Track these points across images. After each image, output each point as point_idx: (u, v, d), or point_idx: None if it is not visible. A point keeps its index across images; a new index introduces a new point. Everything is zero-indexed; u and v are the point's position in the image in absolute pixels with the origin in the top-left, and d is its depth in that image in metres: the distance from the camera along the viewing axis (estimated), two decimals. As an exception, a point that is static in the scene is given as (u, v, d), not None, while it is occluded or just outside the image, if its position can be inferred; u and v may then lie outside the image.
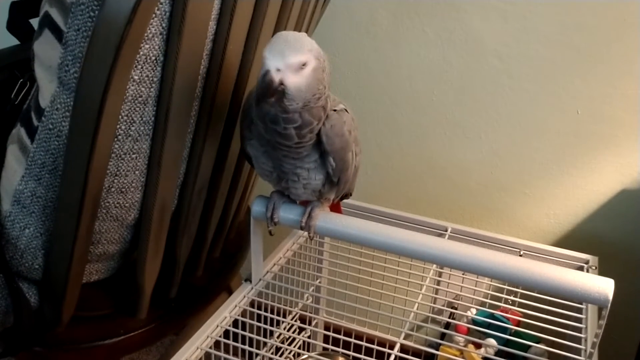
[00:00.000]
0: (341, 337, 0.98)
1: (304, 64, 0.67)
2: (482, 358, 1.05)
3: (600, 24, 1.18)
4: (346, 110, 0.78)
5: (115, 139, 0.75)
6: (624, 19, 1.16)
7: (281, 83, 0.66)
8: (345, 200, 0.99)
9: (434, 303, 1.07)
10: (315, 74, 0.68)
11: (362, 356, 0.85)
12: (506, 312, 1.05)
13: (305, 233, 0.85)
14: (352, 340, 0.96)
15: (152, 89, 0.74)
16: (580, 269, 1.05)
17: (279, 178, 0.81)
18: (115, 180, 0.79)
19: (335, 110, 0.76)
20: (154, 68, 0.73)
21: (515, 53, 1.26)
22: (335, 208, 0.95)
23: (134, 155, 0.79)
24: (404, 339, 0.86)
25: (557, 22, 1.21)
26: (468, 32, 1.28)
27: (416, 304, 0.93)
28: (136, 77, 0.71)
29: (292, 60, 0.66)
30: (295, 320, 1.03)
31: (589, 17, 1.18)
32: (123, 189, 0.81)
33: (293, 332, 1.04)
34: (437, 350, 1.02)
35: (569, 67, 1.23)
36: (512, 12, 1.23)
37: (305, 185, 0.79)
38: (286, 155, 0.76)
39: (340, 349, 1.02)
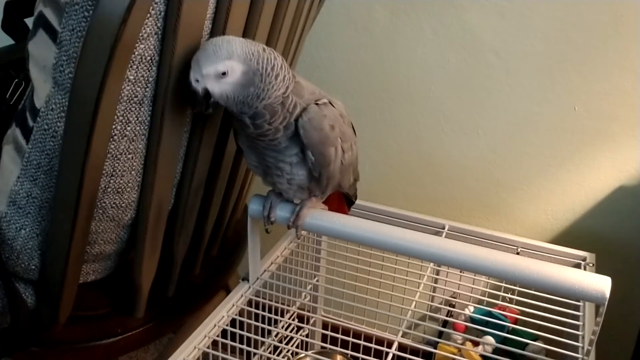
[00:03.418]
0: (339, 335, 0.98)
1: (224, 73, 0.68)
2: (479, 356, 1.05)
3: (597, 20, 1.18)
4: (331, 104, 0.78)
5: (111, 139, 0.75)
6: (621, 15, 1.16)
7: (206, 91, 0.69)
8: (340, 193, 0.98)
9: (432, 301, 1.07)
10: (244, 78, 0.69)
11: (360, 354, 0.85)
12: (504, 310, 1.05)
13: (303, 232, 0.85)
14: (350, 338, 0.96)
15: (147, 89, 0.74)
16: (578, 266, 1.06)
17: (264, 173, 0.81)
18: (112, 181, 0.79)
19: (317, 103, 0.75)
20: (150, 68, 0.72)
21: (513, 49, 1.26)
22: (342, 211, 0.95)
23: (130, 156, 0.78)
24: (402, 337, 0.87)
25: (554, 18, 1.21)
26: (465, 28, 1.28)
27: (414, 302, 0.94)
28: (131, 77, 0.71)
29: (207, 71, 0.68)
30: (293, 319, 1.03)
31: (586, 13, 1.18)
32: (119, 189, 0.81)
33: (291, 331, 1.04)
34: (435, 348, 1.02)
35: (566, 63, 1.23)
36: (509, 8, 1.23)
37: (290, 180, 0.79)
38: (266, 148, 0.77)
39: (338, 348, 1.02)
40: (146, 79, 0.73)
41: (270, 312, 0.94)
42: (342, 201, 0.96)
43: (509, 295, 0.98)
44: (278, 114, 0.73)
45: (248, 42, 0.70)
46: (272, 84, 0.70)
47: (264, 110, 0.72)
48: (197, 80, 0.70)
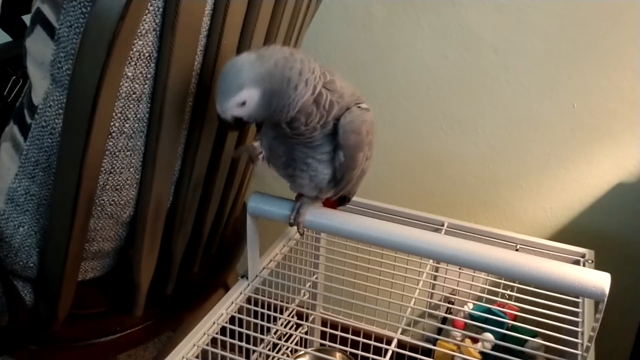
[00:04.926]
0: (338, 333, 0.98)
1: (243, 102, 0.69)
2: (479, 352, 1.05)
3: (596, 16, 1.18)
4: (368, 111, 0.78)
5: (109, 137, 0.74)
6: (620, 11, 1.16)
7: (234, 117, 0.70)
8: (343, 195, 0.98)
9: (431, 298, 1.07)
10: (264, 99, 0.69)
11: (359, 352, 0.85)
12: (503, 307, 1.05)
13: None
14: (350, 335, 0.96)
15: (146, 86, 0.74)
16: (577, 262, 1.06)
17: (286, 164, 0.80)
18: (110, 178, 0.79)
19: (359, 106, 0.76)
20: (148, 64, 0.72)
21: (512, 46, 1.26)
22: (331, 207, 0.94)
23: (128, 153, 0.78)
24: (401, 334, 0.87)
25: (553, 15, 1.21)
26: (464, 25, 1.27)
27: (413, 299, 0.93)
28: (130, 74, 0.71)
29: (227, 105, 0.69)
30: (292, 317, 1.03)
31: (585, 10, 1.18)
32: (118, 187, 0.81)
33: (290, 329, 1.04)
34: (434, 345, 1.02)
35: (565, 60, 1.23)
36: (508, 5, 1.23)
37: (312, 177, 0.79)
38: (298, 143, 0.76)
39: (337, 345, 1.02)
40: (144, 75, 0.72)
41: (269, 309, 0.94)
42: (335, 201, 0.96)
43: (508, 292, 0.98)
44: (314, 114, 0.72)
45: (259, 63, 0.68)
46: (292, 96, 0.69)
47: (297, 114, 0.71)
48: (224, 113, 0.70)
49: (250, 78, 0.68)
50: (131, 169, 0.80)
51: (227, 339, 0.85)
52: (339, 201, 0.93)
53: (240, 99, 0.68)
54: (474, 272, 1.00)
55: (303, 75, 0.70)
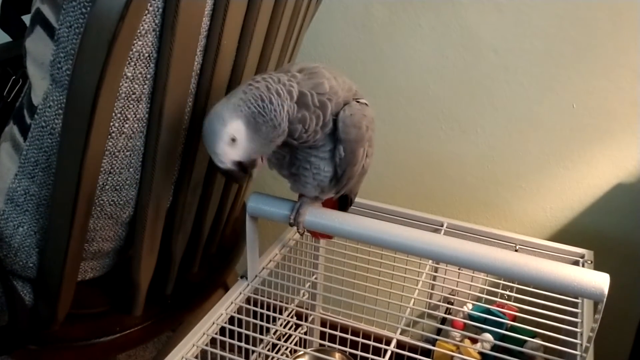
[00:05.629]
0: (338, 333, 0.98)
1: (233, 139, 0.68)
2: (478, 353, 1.05)
3: (596, 17, 1.18)
4: (368, 106, 0.78)
5: (109, 137, 0.74)
6: (620, 12, 1.16)
7: (232, 162, 0.70)
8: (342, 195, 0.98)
9: (430, 298, 1.07)
10: (250, 128, 0.69)
11: (358, 352, 0.85)
12: (502, 307, 1.05)
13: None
14: (349, 336, 0.96)
15: (145, 86, 0.74)
16: (576, 263, 1.06)
17: (290, 163, 0.80)
18: (110, 178, 0.79)
19: (358, 101, 0.76)
20: (147, 65, 0.72)
21: (511, 47, 1.26)
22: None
23: (127, 153, 0.78)
24: (400, 334, 0.87)
25: (553, 15, 1.21)
26: (464, 25, 1.27)
27: (412, 300, 0.93)
28: (129, 74, 0.71)
29: (220, 150, 0.69)
30: (292, 317, 1.03)
31: (585, 11, 1.18)
32: (117, 187, 0.81)
33: (289, 329, 1.04)
34: (434, 345, 1.02)
35: (565, 60, 1.23)
36: (508, 5, 1.23)
37: (315, 175, 0.79)
38: (302, 144, 0.76)
39: (337, 345, 1.02)
40: (144, 75, 0.72)
41: (268, 309, 0.94)
42: (336, 203, 0.96)
43: (508, 293, 0.98)
44: (308, 117, 0.72)
45: (229, 97, 0.70)
46: (272, 109, 0.70)
47: (292, 125, 0.72)
48: (222, 162, 0.70)
49: (228, 112, 0.69)
50: (131, 169, 0.80)
51: (227, 339, 0.85)
52: (342, 206, 0.93)
53: (228, 135, 0.68)
54: (473, 273, 1.00)
55: (271, 88, 0.70)
